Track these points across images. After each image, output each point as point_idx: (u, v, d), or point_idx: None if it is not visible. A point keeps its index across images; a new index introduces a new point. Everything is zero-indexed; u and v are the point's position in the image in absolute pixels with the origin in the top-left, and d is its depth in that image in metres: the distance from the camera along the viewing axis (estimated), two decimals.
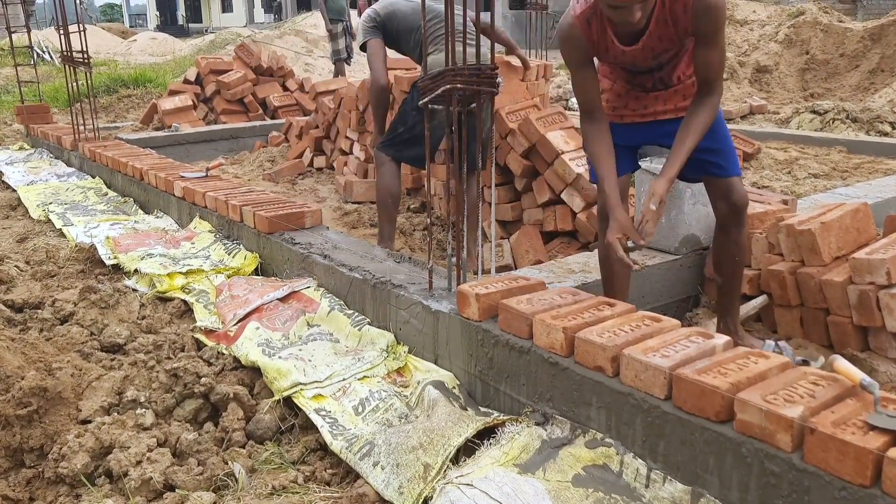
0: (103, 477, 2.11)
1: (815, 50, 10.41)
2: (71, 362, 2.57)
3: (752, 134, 6.51)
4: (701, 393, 1.66)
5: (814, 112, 7.81)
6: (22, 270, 3.76)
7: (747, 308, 2.74)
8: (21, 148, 7.40)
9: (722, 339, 1.90)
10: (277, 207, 3.69)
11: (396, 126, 4.00)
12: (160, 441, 2.23)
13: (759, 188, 4.64)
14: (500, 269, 3.78)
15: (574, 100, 9.19)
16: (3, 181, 6.09)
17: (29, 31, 8.17)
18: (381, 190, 4.00)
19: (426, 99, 2.45)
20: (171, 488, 2.05)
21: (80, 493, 2.05)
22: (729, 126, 7.55)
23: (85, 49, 5.73)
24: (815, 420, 1.49)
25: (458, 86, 2.37)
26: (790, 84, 10.30)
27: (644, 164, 3.08)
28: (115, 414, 2.36)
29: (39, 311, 3.18)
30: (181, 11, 46.87)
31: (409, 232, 4.63)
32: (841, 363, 1.65)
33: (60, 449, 2.16)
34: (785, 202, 3.23)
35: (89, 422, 2.32)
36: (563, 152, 3.86)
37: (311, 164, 6.41)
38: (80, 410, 2.38)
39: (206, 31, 30.92)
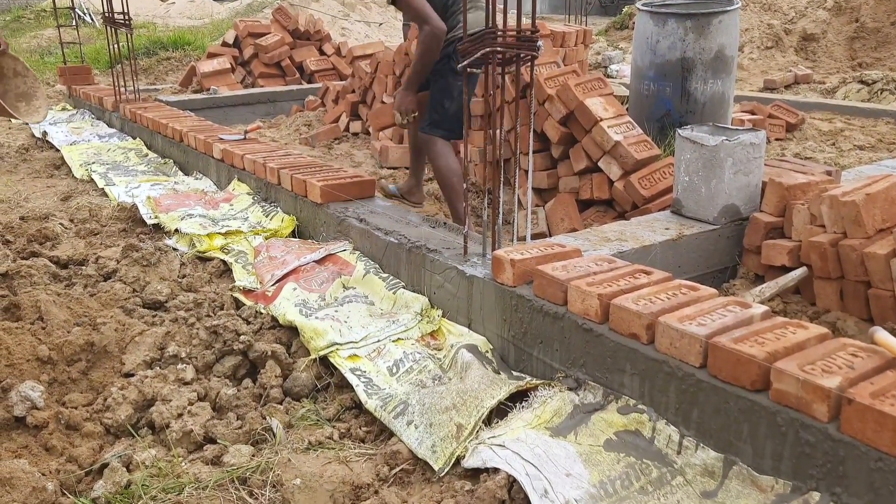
0: (146, 428, 2.18)
1: (865, 17, 10.07)
2: (114, 318, 2.65)
3: (796, 104, 6.36)
4: (737, 361, 1.66)
5: (862, 82, 7.59)
6: (66, 228, 3.85)
7: (786, 280, 2.70)
8: (64, 108, 7.52)
9: (760, 308, 1.89)
10: (316, 171, 3.72)
11: (441, 103, 3.66)
12: (200, 395, 2.29)
13: (801, 159, 4.55)
14: (534, 237, 3.77)
15: (614, 66, 9.06)
16: (46, 141, 6.21)
17: None
18: (442, 172, 3.69)
19: (465, 62, 2.44)
20: (211, 441, 2.11)
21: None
22: (772, 95, 7.35)
23: (126, 11, 5.78)
24: (853, 391, 1.48)
25: (498, 49, 2.35)
26: (838, 53, 10.00)
27: (683, 132, 3.03)
28: (157, 368, 2.43)
29: (83, 267, 3.26)
30: None
31: (443, 198, 4.64)
32: (882, 335, 1.63)
33: (105, 400, 2.23)
34: (828, 173, 3.16)
35: (132, 375, 2.40)
36: (601, 119, 3.82)
37: (347, 128, 6.42)
38: (124, 364, 2.45)
39: None
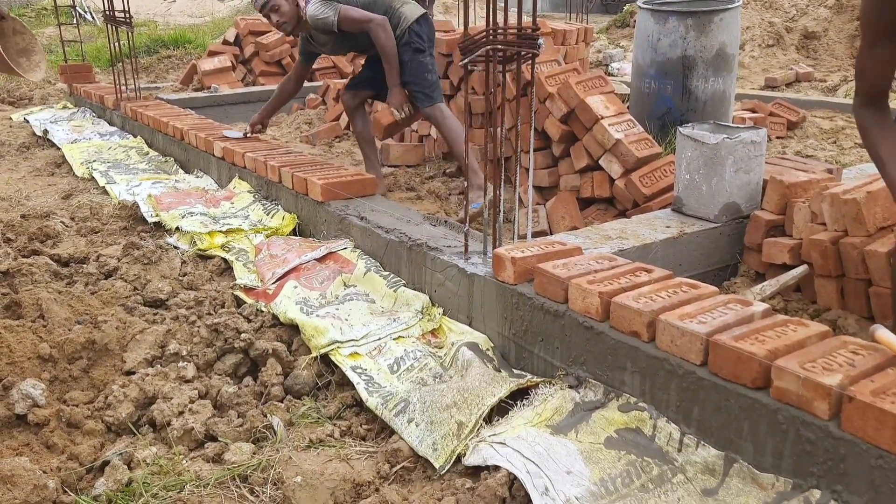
0: (147, 426, 2.18)
1: None
2: (115, 316, 2.65)
3: (798, 102, 6.35)
4: (738, 359, 1.66)
5: None
6: (67, 226, 3.86)
7: (787, 278, 2.70)
8: (65, 107, 7.52)
9: (760, 306, 1.89)
10: (316, 169, 3.72)
11: (424, 77, 4.10)
12: (201, 393, 2.30)
13: (802, 157, 4.54)
14: (535, 235, 3.77)
15: (615, 64, 9.04)
16: (47, 139, 6.21)
17: None
18: (455, 130, 4.08)
19: (466, 60, 2.44)
20: (212, 438, 2.11)
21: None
22: (773, 94, 7.31)
23: (127, 9, 5.78)
24: (853, 388, 1.48)
25: (499, 46, 2.35)
26: (839, 51, 9.99)
27: (684, 130, 3.03)
28: (158, 366, 2.43)
29: (84, 265, 3.26)
30: None
31: (444, 196, 4.64)
32: (882, 333, 1.63)
33: (106, 398, 2.24)
34: (829, 171, 3.16)
35: (133, 373, 2.40)
36: (602, 117, 3.81)
37: (347, 126, 6.41)
38: (125, 362, 2.45)
39: None
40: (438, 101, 4.15)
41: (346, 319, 2.62)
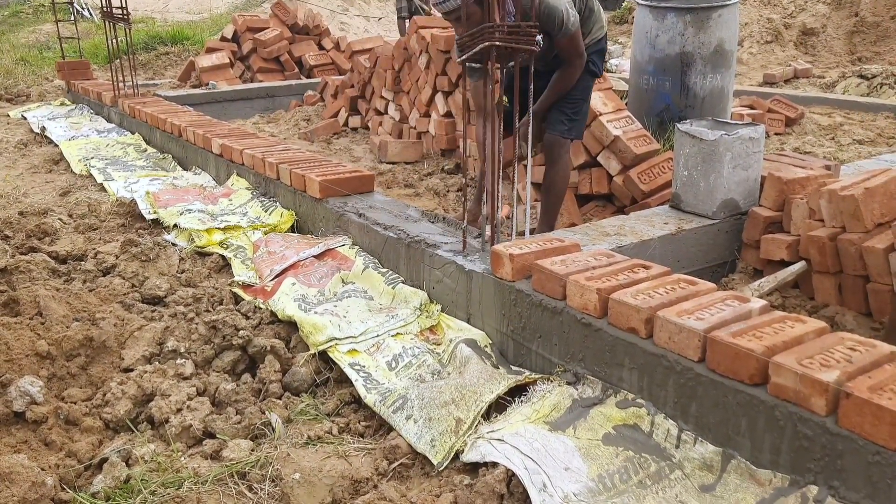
0: (145, 423, 2.18)
1: (864, 12, 10.06)
2: (113, 313, 2.65)
3: (796, 98, 6.35)
4: (735, 356, 1.66)
5: (861, 76, 7.59)
6: (65, 223, 3.85)
7: (785, 274, 2.70)
8: (62, 104, 7.51)
9: (758, 303, 1.89)
10: (315, 166, 3.72)
11: (581, 107, 3.50)
12: (199, 390, 2.29)
13: (801, 153, 4.54)
14: (533, 232, 3.76)
15: (614, 61, 9.02)
16: (45, 136, 6.20)
17: None
18: (565, 177, 3.53)
19: (464, 56, 2.43)
20: (211, 435, 2.11)
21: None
22: (771, 90, 7.32)
23: (124, 5, 5.77)
24: (850, 385, 1.48)
25: (496, 43, 2.35)
26: (837, 47, 9.99)
27: (682, 126, 3.03)
28: (157, 363, 2.43)
29: (82, 262, 3.26)
30: None
31: (443, 193, 4.64)
32: None
33: (104, 395, 2.23)
34: (827, 168, 3.16)
35: (131, 370, 2.39)
36: (600, 114, 3.82)
37: (346, 123, 6.41)
38: (123, 359, 2.45)
39: None
40: (573, 137, 3.53)
41: (345, 316, 2.62)
